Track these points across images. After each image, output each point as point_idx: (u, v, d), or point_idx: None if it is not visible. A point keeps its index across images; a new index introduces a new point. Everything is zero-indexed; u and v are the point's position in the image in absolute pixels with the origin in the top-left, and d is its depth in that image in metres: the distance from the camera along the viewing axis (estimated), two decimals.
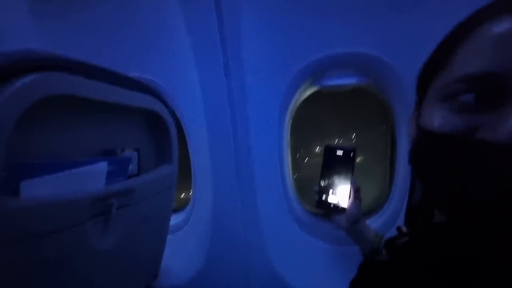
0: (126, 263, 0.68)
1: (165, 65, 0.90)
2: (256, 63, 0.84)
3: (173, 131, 0.76)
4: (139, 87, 0.66)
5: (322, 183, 0.77)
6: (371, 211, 0.98)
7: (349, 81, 0.85)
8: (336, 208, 0.75)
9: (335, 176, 0.76)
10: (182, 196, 1.19)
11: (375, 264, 0.43)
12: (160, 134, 0.76)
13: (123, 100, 0.60)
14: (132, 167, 0.67)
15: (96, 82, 0.53)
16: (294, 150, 1.05)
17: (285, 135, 0.93)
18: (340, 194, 0.75)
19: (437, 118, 0.29)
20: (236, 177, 0.93)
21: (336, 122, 1.03)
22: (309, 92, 0.94)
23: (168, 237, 1.05)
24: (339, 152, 0.76)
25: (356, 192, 0.74)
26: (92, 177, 0.56)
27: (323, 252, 0.92)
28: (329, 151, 0.77)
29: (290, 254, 0.94)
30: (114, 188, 0.58)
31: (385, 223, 0.89)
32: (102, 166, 0.57)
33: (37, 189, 0.46)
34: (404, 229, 0.46)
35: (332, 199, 0.76)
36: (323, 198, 0.77)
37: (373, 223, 0.91)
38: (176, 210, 1.10)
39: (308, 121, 1.04)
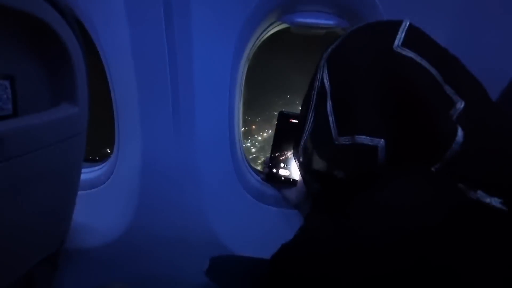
0: (7, 235, 0.48)
1: None
2: None
3: (76, 57, 0.52)
4: None
5: (274, 154, 0.70)
6: None
7: (326, 21, 0.68)
8: (287, 181, 0.69)
9: (288, 147, 0.69)
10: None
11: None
12: (53, 57, 0.51)
13: None
14: (0, 104, 0.44)
15: None
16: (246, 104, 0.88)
17: (238, 79, 0.75)
18: (293, 167, 0.70)
19: None
20: (174, 128, 0.74)
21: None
22: (275, 28, 0.75)
23: (86, 192, 0.86)
24: (294, 120, 0.68)
25: None
26: None
27: (269, 216, 0.85)
28: (283, 118, 0.69)
29: (232, 218, 0.84)
30: None
31: None
32: None
33: None
34: None
35: (283, 171, 0.70)
36: (274, 170, 0.70)
37: None
38: (94, 161, 0.89)
39: (268, 70, 0.86)
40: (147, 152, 0.76)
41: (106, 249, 0.83)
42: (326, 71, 0.42)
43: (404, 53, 0.37)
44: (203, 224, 0.84)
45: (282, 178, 0.71)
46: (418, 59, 0.36)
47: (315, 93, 0.44)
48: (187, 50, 0.68)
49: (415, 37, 0.38)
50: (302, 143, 0.47)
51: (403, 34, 0.38)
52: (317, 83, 0.43)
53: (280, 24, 0.73)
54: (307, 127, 0.45)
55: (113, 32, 0.67)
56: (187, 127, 0.74)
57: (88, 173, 0.84)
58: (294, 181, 0.70)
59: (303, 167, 0.49)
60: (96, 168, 0.85)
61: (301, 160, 0.48)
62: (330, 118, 0.40)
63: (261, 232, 0.85)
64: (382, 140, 0.36)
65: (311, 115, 0.44)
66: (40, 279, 0.74)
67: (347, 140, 0.39)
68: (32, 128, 0.47)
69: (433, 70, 0.36)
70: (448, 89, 0.36)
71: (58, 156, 0.55)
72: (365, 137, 0.37)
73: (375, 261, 0.31)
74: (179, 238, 0.86)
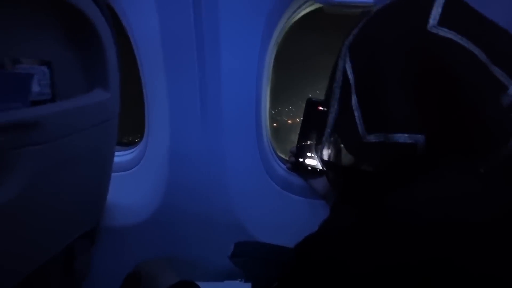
0: (46, 214, 0.52)
1: None
2: None
3: (108, 43, 0.53)
4: None
5: (301, 143, 0.67)
6: None
7: None
8: (314, 171, 0.66)
9: (316, 135, 0.65)
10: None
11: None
12: (87, 45, 0.52)
13: None
14: (40, 89, 0.46)
15: None
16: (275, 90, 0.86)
17: (267, 64, 0.73)
18: None
19: None
20: (201, 114, 0.74)
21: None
22: (306, 9, 0.71)
23: (118, 174, 0.90)
24: (323, 108, 0.65)
25: None
26: None
27: (295, 206, 0.84)
28: (311, 106, 0.66)
29: (257, 205, 0.84)
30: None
31: None
32: None
33: None
34: None
35: (310, 161, 0.67)
36: (300, 159, 0.67)
37: None
38: (123, 144, 0.93)
39: (298, 54, 0.83)
40: (175, 138, 0.77)
41: (136, 228, 0.88)
42: (349, 61, 0.38)
43: (441, 33, 0.32)
44: (228, 210, 0.85)
45: (309, 168, 0.69)
46: (457, 38, 0.31)
47: (337, 85, 0.40)
48: (215, 35, 0.67)
49: (454, 12, 0.33)
50: (324, 139, 0.44)
51: (440, 9, 0.32)
52: (338, 74, 0.39)
53: (311, 4, 0.69)
54: (329, 122, 0.42)
55: (142, 16, 0.68)
56: (214, 113, 0.74)
57: (120, 157, 0.88)
58: (321, 171, 0.68)
59: (325, 163, 0.47)
60: (128, 152, 0.89)
61: (322, 156, 0.46)
62: (356, 114, 0.36)
63: (286, 221, 0.84)
64: (422, 136, 0.32)
65: (333, 109, 0.40)
66: (80, 252, 0.80)
67: (377, 137, 0.35)
68: (69, 113, 0.49)
69: (476, 50, 0.31)
70: (497, 71, 0.30)
71: (92, 139, 0.57)
72: (401, 134, 0.33)
73: (414, 254, 0.29)
74: (205, 222, 0.88)
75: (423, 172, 0.33)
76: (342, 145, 0.41)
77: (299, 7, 0.70)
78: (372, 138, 0.35)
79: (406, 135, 0.33)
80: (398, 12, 0.35)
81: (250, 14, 0.66)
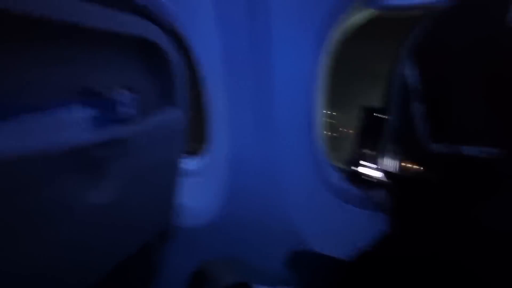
0: (129, 214, 0.63)
1: None
2: None
3: (177, 66, 0.61)
4: (126, 6, 0.50)
5: (357, 152, 0.65)
6: None
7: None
8: (371, 181, 0.63)
9: (373, 144, 0.63)
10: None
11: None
12: (160, 70, 0.61)
13: (100, 23, 0.45)
14: (126, 110, 0.56)
15: None
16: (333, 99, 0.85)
17: (319, 73, 0.74)
18: (378, 166, 0.64)
19: None
20: (256, 126, 0.79)
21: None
22: (361, 16, 0.69)
23: (185, 180, 1.01)
24: (379, 115, 0.61)
25: None
26: (68, 124, 0.45)
27: (350, 216, 0.81)
28: (367, 113, 0.62)
29: (312, 213, 0.84)
30: (101, 137, 0.49)
31: None
32: (80, 110, 0.46)
33: None
34: None
35: (367, 170, 0.65)
36: (357, 169, 0.65)
37: None
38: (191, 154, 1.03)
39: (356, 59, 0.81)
40: (234, 148, 0.84)
41: (201, 229, 0.97)
42: (412, 65, 0.34)
43: None
44: (284, 218, 0.87)
45: (366, 178, 0.66)
46: None
47: (398, 92, 0.37)
48: (267, 45, 0.71)
49: None
50: (382, 147, 0.42)
51: None
52: (399, 80, 0.36)
53: (365, 13, 0.67)
54: (388, 131, 0.40)
55: (204, 36, 0.76)
56: (269, 122, 0.78)
57: (187, 164, 0.98)
58: (379, 181, 0.65)
59: (383, 173, 0.44)
60: (193, 160, 0.99)
61: (381, 165, 0.44)
62: (418, 122, 0.33)
63: (341, 232, 0.82)
64: (497, 149, 0.28)
65: (393, 117, 0.38)
66: (155, 249, 0.92)
67: (443, 148, 0.32)
68: (148, 129, 0.58)
69: None
70: None
71: (164, 150, 0.66)
72: (471, 147, 0.29)
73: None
74: (262, 229, 0.92)
75: (499, 184, 0.29)
76: (403, 155, 0.40)
77: (352, 15, 0.69)
78: (436, 148, 0.32)
79: (478, 148, 0.29)
80: (471, 5, 0.32)
81: (303, 24, 0.68)
